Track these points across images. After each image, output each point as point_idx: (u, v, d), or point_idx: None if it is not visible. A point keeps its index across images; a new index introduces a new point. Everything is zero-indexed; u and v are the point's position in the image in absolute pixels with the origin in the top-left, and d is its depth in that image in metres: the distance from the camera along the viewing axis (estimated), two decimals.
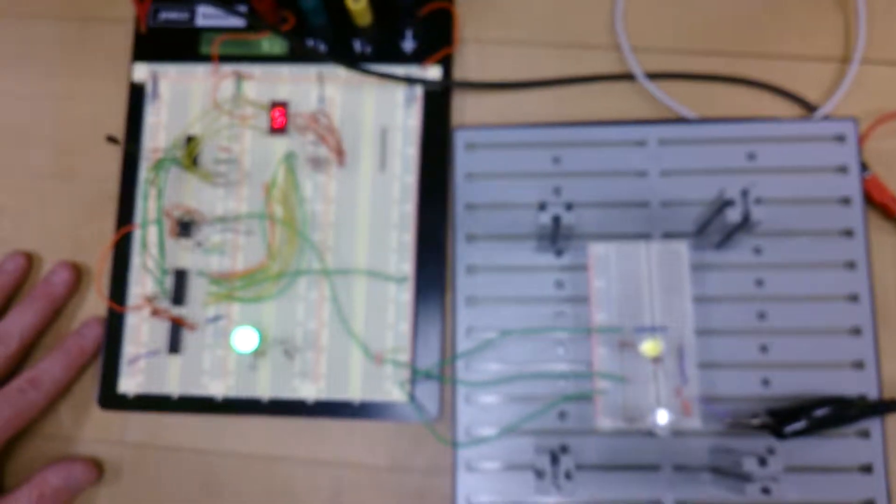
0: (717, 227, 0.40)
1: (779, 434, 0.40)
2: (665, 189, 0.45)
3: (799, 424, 0.40)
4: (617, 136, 0.46)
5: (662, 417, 0.40)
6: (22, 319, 0.44)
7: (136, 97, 0.49)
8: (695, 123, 0.46)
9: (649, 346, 0.41)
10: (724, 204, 0.38)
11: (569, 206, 0.38)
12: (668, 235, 0.45)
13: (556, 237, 0.41)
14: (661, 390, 0.42)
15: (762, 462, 0.37)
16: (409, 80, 0.48)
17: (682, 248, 0.43)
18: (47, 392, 0.43)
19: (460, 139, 0.46)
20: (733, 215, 0.38)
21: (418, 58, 0.49)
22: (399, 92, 0.48)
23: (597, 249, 0.43)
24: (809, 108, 0.47)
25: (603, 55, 0.49)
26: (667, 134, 0.46)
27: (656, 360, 0.41)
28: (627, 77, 0.49)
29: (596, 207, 0.45)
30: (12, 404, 0.42)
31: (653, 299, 0.43)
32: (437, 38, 0.49)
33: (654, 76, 0.49)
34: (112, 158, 0.49)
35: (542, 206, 0.38)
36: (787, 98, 0.48)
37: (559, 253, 0.45)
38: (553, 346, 0.44)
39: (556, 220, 0.38)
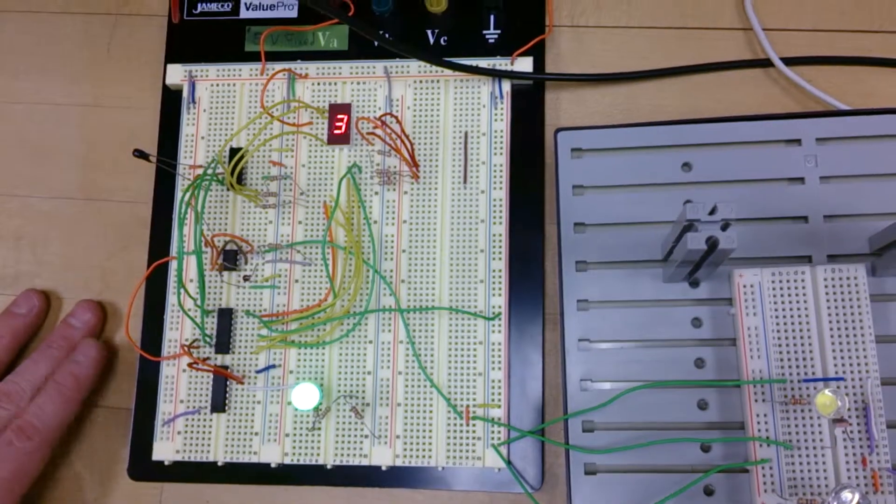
0: None
1: None
2: (828, 199, 0.36)
3: None
4: (762, 134, 0.37)
5: (851, 497, 0.30)
6: (35, 372, 0.38)
7: (171, 103, 0.41)
8: (861, 116, 0.37)
9: (825, 402, 0.32)
10: None
11: (725, 226, 0.29)
12: (835, 258, 0.35)
13: (701, 265, 0.32)
14: (840, 459, 0.32)
15: None
16: (500, 74, 0.39)
17: (858, 274, 0.33)
18: (43, 438, 0.37)
19: (564, 143, 0.38)
20: None
21: (504, 49, 0.40)
22: (483, 90, 0.40)
23: (745, 278, 0.34)
24: None
25: (729, 38, 0.41)
26: (826, 130, 0.37)
27: (838, 420, 0.32)
28: (761, 63, 0.40)
29: (740, 224, 0.36)
30: (3, 460, 0.35)
31: (822, 341, 0.33)
32: (527, 25, 0.41)
33: (793, 61, 0.40)
34: (145, 176, 0.41)
35: (691, 227, 0.29)
36: None
37: (695, 283, 0.36)
38: (692, 403, 0.35)
39: (713, 244, 0.29)
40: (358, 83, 0.41)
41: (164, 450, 0.38)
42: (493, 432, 0.37)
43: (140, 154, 0.37)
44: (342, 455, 0.37)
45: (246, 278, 0.39)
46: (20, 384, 0.37)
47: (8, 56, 0.44)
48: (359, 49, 0.41)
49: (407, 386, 0.38)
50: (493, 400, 0.37)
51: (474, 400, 0.37)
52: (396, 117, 0.40)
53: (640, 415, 0.35)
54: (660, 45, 0.41)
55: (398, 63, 0.40)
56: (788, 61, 0.40)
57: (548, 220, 0.39)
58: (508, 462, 0.37)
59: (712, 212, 0.29)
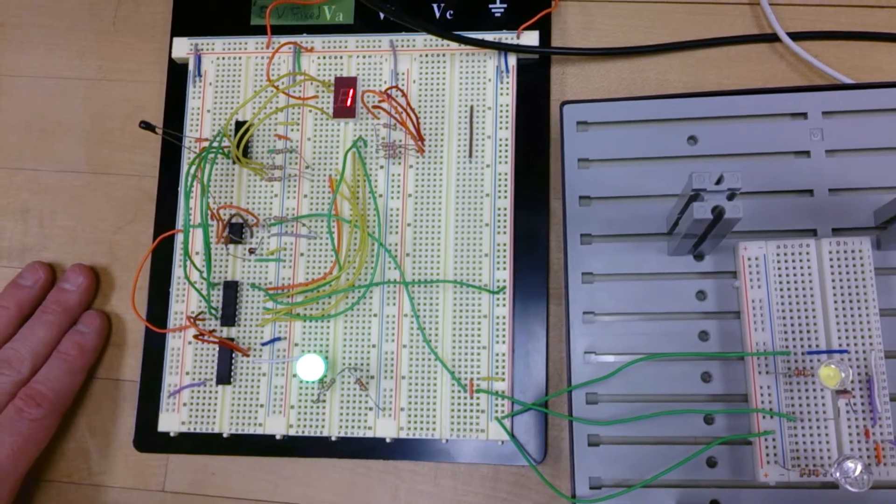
0: None
1: None
2: (833, 172, 0.36)
3: None
4: (768, 108, 0.37)
5: (854, 468, 0.31)
6: (31, 337, 0.38)
7: (177, 77, 0.41)
8: (868, 90, 0.36)
9: (828, 374, 0.32)
10: None
11: (731, 196, 0.29)
12: (840, 231, 0.35)
13: (706, 237, 0.32)
14: (843, 431, 0.32)
15: None
16: (506, 48, 0.39)
17: (863, 246, 0.33)
18: (52, 405, 0.37)
19: (569, 116, 0.38)
20: None
21: (510, 22, 0.40)
22: (489, 63, 0.40)
23: (750, 250, 0.34)
24: None
25: (736, 12, 0.41)
26: (832, 103, 0.37)
27: (841, 392, 0.32)
28: (767, 38, 0.40)
29: (745, 197, 0.36)
30: (13, 430, 0.36)
31: (827, 313, 0.33)
32: None
33: (799, 36, 0.40)
34: (151, 150, 0.42)
35: (697, 197, 0.29)
36: None
37: (700, 256, 0.36)
38: (696, 375, 0.35)
39: (719, 214, 0.29)
40: (364, 57, 0.41)
41: (170, 421, 0.38)
42: (496, 405, 0.37)
43: (146, 125, 0.37)
44: (347, 427, 0.37)
45: (251, 251, 0.39)
46: (19, 350, 0.37)
47: (14, 30, 0.44)
48: (364, 23, 0.41)
49: (411, 359, 0.38)
50: (497, 373, 0.37)
51: (478, 373, 0.37)
52: (402, 91, 0.40)
53: (644, 387, 0.35)
54: (666, 20, 0.41)
55: (404, 37, 0.40)
56: (795, 36, 0.40)
57: (553, 194, 0.39)
58: (512, 435, 0.37)
59: (718, 181, 0.29)
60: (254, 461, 0.39)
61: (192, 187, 0.39)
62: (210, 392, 0.38)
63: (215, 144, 0.38)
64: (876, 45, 0.40)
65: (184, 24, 0.42)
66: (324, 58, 0.41)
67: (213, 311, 0.39)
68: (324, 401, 0.38)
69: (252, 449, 0.38)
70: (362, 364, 0.38)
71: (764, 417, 0.33)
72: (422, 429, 0.37)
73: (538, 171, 0.39)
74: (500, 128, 0.39)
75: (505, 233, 0.38)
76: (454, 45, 0.40)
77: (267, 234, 0.39)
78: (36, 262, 0.40)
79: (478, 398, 0.37)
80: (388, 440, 0.37)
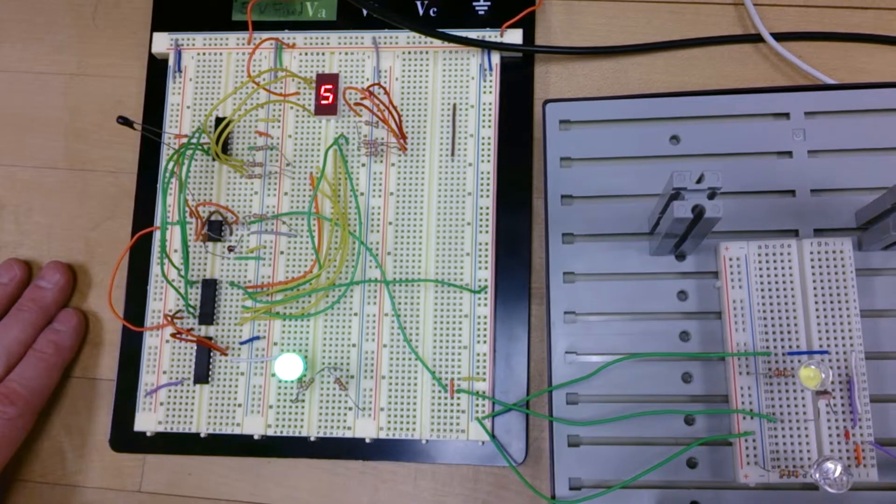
0: None
1: None
2: (815, 173, 0.36)
3: None
4: (751, 108, 0.37)
5: (834, 469, 0.30)
6: (6, 336, 0.37)
7: (157, 72, 0.41)
8: (852, 90, 0.36)
9: (809, 375, 0.32)
10: None
11: (712, 195, 0.29)
12: (821, 231, 0.35)
13: (687, 237, 0.32)
14: (823, 432, 0.32)
15: None
16: (489, 46, 0.39)
17: (845, 247, 0.33)
18: (27, 404, 0.37)
19: (552, 114, 0.37)
20: None
21: (494, 20, 0.40)
22: (472, 61, 0.40)
23: (731, 251, 0.34)
24: None
25: (720, 12, 0.41)
26: (815, 104, 0.37)
27: (821, 393, 0.32)
28: (751, 38, 0.40)
29: (727, 197, 0.35)
30: None
31: (808, 314, 0.33)
32: None
33: (783, 37, 0.40)
34: (129, 146, 0.41)
35: (678, 196, 0.29)
36: None
37: (681, 256, 0.35)
38: (677, 375, 0.35)
39: (700, 213, 0.28)
40: (346, 53, 0.40)
41: (147, 421, 0.38)
42: (477, 406, 0.37)
43: (124, 121, 0.37)
44: (326, 427, 0.37)
45: (231, 249, 0.39)
46: None
47: None
48: (347, 19, 0.41)
49: (392, 358, 0.37)
50: (478, 373, 0.37)
51: (459, 373, 0.37)
52: (384, 88, 0.39)
53: (625, 387, 0.35)
54: (650, 19, 0.41)
55: (386, 34, 0.40)
56: (779, 37, 0.40)
57: (535, 193, 0.39)
58: (493, 435, 0.36)
59: (699, 180, 0.29)
60: (232, 461, 0.38)
61: (170, 184, 0.38)
62: (187, 391, 0.38)
63: (194, 140, 0.37)
64: (859, 46, 0.40)
65: (164, 19, 0.42)
66: (305, 54, 0.40)
67: (192, 310, 0.38)
68: (303, 400, 0.37)
69: (230, 449, 0.37)
70: (342, 363, 0.37)
71: (744, 418, 0.33)
72: (402, 429, 0.37)
73: (521, 169, 0.39)
74: (483, 126, 0.39)
75: (487, 232, 0.38)
76: (437, 42, 0.40)
77: (246, 232, 0.39)
78: (12, 258, 0.40)
79: (458, 398, 0.37)
80: (367, 440, 0.37)
